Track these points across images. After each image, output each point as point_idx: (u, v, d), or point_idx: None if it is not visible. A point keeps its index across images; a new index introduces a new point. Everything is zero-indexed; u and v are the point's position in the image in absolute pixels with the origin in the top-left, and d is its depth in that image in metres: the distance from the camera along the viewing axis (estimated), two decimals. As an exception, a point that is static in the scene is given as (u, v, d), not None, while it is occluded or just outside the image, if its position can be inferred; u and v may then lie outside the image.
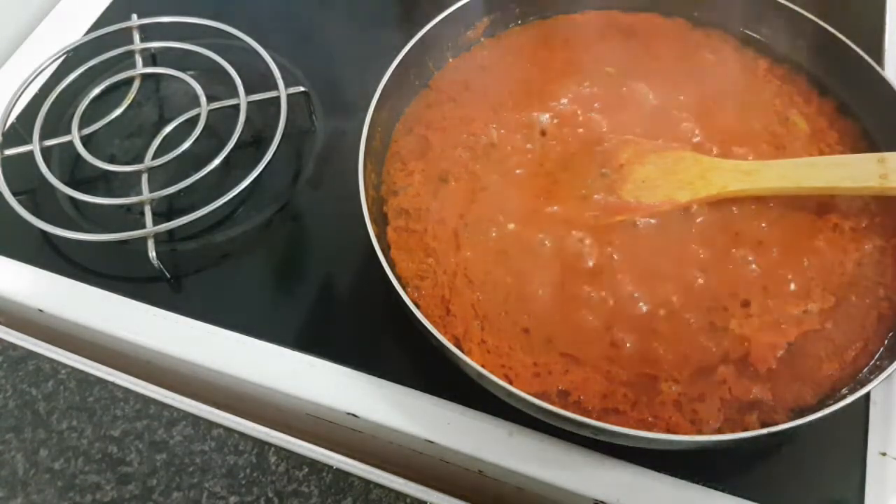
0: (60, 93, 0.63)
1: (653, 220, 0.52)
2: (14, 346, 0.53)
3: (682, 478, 0.46)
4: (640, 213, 0.51)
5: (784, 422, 0.43)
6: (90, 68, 0.65)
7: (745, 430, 0.44)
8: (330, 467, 0.47)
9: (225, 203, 0.56)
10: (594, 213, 0.52)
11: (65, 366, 0.52)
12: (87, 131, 0.61)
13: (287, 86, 0.62)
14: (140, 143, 0.63)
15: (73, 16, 0.74)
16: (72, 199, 0.59)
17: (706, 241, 0.51)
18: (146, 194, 0.57)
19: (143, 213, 0.56)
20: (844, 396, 0.43)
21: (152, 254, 0.54)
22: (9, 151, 0.60)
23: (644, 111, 0.57)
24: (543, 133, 0.56)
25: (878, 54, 0.66)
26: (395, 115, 0.58)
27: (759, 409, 0.45)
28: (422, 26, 0.58)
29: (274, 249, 0.58)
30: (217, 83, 0.64)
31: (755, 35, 0.61)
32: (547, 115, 0.57)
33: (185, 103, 0.63)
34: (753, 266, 0.50)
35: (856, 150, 0.55)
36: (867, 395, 0.48)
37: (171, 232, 0.58)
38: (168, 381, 0.52)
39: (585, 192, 0.53)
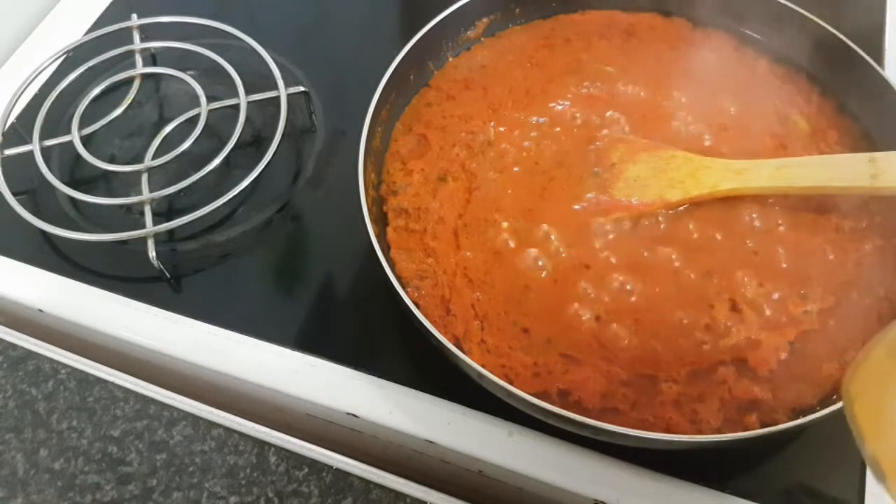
0: (60, 93, 0.63)
1: (649, 219, 0.52)
2: (14, 346, 0.53)
3: (682, 478, 0.46)
4: (631, 212, 0.52)
5: (784, 422, 0.43)
6: (90, 68, 0.65)
7: (745, 430, 0.44)
8: (330, 467, 0.47)
9: (225, 203, 0.56)
10: (587, 212, 0.52)
11: (65, 366, 0.52)
12: (87, 131, 0.61)
13: (287, 86, 0.62)
14: (140, 143, 0.63)
15: (73, 16, 0.74)
16: (72, 199, 0.59)
17: (704, 241, 0.51)
18: (146, 194, 0.57)
19: (143, 213, 0.56)
20: (844, 396, 0.43)
21: (152, 254, 0.54)
22: (9, 151, 0.60)
23: (643, 111, 0.57)
24: (541, 131, 0.57)
25: (878, 54, 0.66)
26: (395, 115, 0.58)
27: (759, 409, 0.45)
28: (422, 26, 0.58)
29: (274, 249, 0.58)
30: (217, 83, 0.64)
31: (755, 35, 0.61)
32: (545, 114, 0.57)
33: (185, 103, 0.63)
34: (752, 266, 0.50)
35: (856, 150, 0.55)
36: (867, 395, 0.48)
37: (171, 232, 0.58)
38: (168, 381, 0.52)
39: (579, 191, 0.53)
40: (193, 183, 0.57)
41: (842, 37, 0.56)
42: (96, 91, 0.64)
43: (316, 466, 0.47)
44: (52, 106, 0.63)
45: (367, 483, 0.47)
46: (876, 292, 0.49)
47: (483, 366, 0.44)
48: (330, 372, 0.51)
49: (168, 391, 0.51)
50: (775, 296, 0.48)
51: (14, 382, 0.51)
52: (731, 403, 0.45)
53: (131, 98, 0.64)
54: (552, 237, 0.51)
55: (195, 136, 0.60)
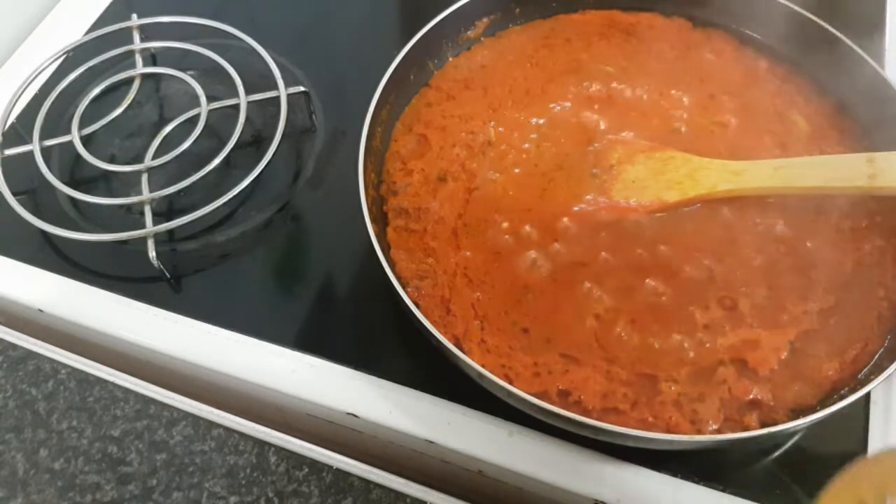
0: (60, 93, 0.63)
1: (648, 219, 0.52)
2: (14, 346, 0.53)
3: (682, 478, 0.46)
4: (629, 214, 0.52)
5: (784, 422, 0.43)
6: (90, 68, 0.65)
7: (745, 430, 0.44)
8: (330, 467, 0.47)
9: (225, 203, 0.56)
10: (587, 213, 0.52)
11: (65, 366, 0.52)
12: (87, 131, 0.61)
13: (287, 86, 0.62)
14: (140, 143, 0.63)
15: (73, 16, 0.74)
16: (72, 199, 0.59)
17: (704, 241, 0.51)
18: (146, 194, 0.57)
19: (143, 213, 0.56)
20: (844, 396, 0.43)
21: (152, 254, 0.54)
22: (9, 151, 0.60)
23: (643, 111, 0.57)
24: (540, 133, 0.57)
25: (878, 54, 0.66)
26: (395, 115, 0.58)
27: (759, 409, 0.45)
28: (422, 26, 0.58)
29: (274, 249, 0.58)
30: (217, 83, 0.64)
31: (755, 35, 0.61)
32: (545, 115, 0.57)
33: (185, 103, 0.63)
34: (752, 266, 0.50)
35: (856, 150, 0.55)
36: (867, 395, 0.48)
37: (171, 232, 0.58)
38: (168, 381, 0.52)
39: (578, 192, 0.53)
40: (193, 183, 0.57)
41: (842, 37, 0.56)
42: (96, 91, 0.64)
43: (316, 466, 0.47)
44: (52, 106, 0.63)
45: (367, 483, 0.47)
46: (876, 292, 0.49)
47: (483, 366, 0.44)
48: (330, 372, 0.51)
49: (168, 391, 0.51)
50: (775, 296, 0.48)
51: (14, 382, 0.51)
52: (731, 403, 0.45)
53: (131, 98, 0.64)
54: (552, 237, 0.51)
55: (195, 136, 0.60)
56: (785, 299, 0.48)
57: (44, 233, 0.57)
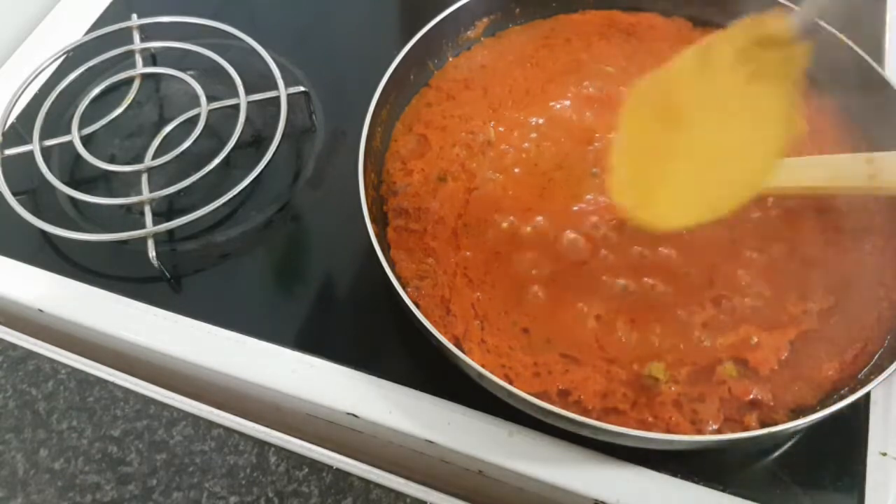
0: (60, 93, 0.63)
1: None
2: (14, 346, 0.53)
3: (682, 478, 0.46)
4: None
5: (784, 422, 0.44)
6: (90, 68, 0.65)
7: (745, 430, 0.44)
8: (330, 467, 0.47)
9: (225, 203, 0.56)
10: (586, 213, 0.52)
11: (65, 366, 0.52)
12: (87, 131, 0.61)
13: (287, 86, 0.62)
14: (140, 143, 0.63)
15: (73, 16, 0.74)
16: (72, 198, 0.59)
17: (703, 240, 0.51)
18: (146, 194, 0.57)
19: (143, 213, 0.56)
20: (844, 396, 0.43)
21: (152, 254, 0.54)
22: (9, 151, 0.60)
23: (644, 111, 0.57)
24: (540, 132, 0.57)
25: (878, 54, 0.66)
26: (395, 115, 0.58)
27: (759, 409, 0.45)
28: (422, 26, 0.58)
29: (274, 249, 0.58)
30: (217, 83, 0.64)
31: (755, 35, 0.61)
32: (545, 114, 0.57)
33: (185, 103, 0.63)
34: (752, 266, 0.50)
35: (856, 150, 0.55)
36: (867, 395, 0.48)
37: (171, 232, 0.58)
38: (168, 381, 0.52)
39: (578, 192, 0.53)
40: (193, 183, 0.57)
41: (842, 37, 0.56)
42: (96, 91, 0.64)
43: (316, 466, 0.47)
44: (52, 106, 0.63)
45: (367, 483, 0.47)
46: (876, 292, 0.49)
47: (483, 366, 0.44)
48: (330, 372, 0.51)
49: (168, 391, 0.51)
50: (775, 295, 0.48)
51: (14, 382, 0.51)
52: (731, 403, 0.45)
53: (131, 98, 0.64)
54: (551, 237, 0.51)
55: (195, 136, 0.60)
56: (785, 299, 0.48)
57: (44, 233, 0.57)
